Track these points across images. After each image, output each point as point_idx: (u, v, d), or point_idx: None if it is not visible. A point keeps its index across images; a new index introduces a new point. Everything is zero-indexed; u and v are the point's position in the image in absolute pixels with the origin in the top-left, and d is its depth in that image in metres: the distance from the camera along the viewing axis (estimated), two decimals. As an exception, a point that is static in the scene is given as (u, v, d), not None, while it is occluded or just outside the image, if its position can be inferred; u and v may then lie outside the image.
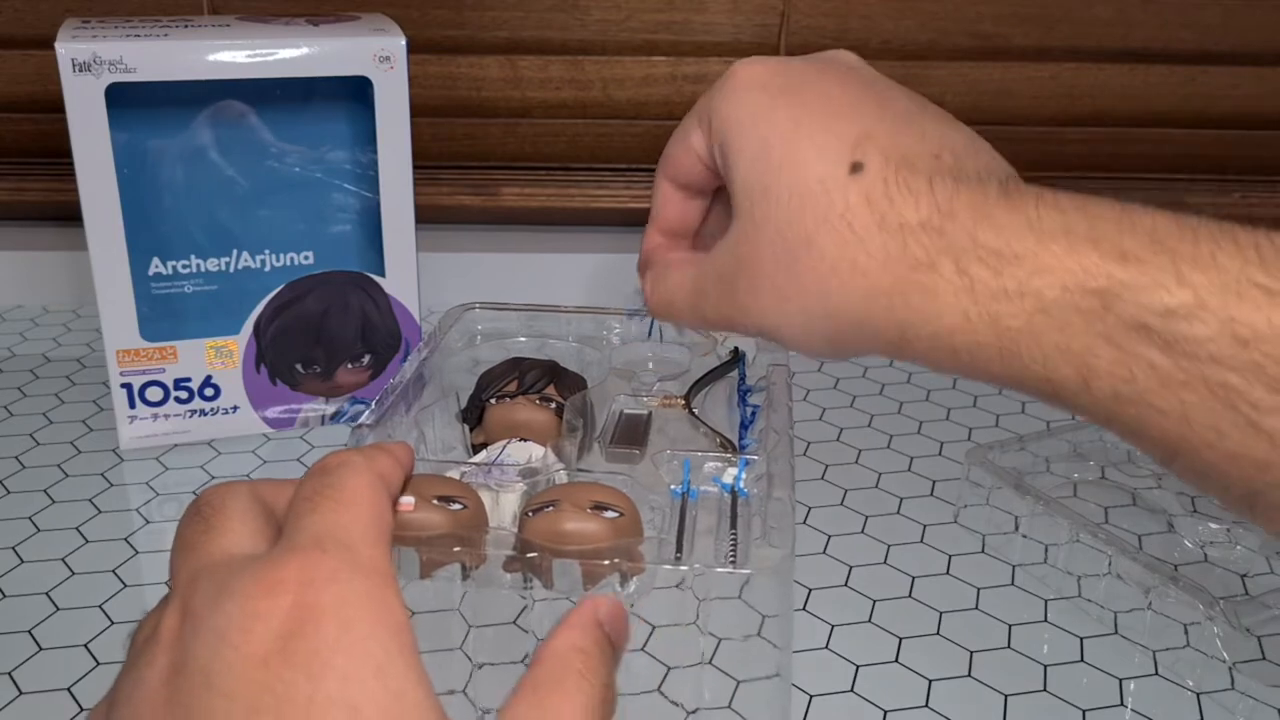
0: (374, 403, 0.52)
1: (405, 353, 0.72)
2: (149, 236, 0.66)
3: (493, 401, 0.58)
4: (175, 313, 0.68)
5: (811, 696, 0.50)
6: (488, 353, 0.64)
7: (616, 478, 0.47)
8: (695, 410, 0.60)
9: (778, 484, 0.45)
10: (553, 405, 0.58)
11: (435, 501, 0.42)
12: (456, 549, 0.41)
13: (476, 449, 0.57)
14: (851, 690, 0.50)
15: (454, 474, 0.47)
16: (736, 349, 0.65)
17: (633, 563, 0.41)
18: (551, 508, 0.42)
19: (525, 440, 0.55)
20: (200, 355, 0.68)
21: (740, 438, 0.57)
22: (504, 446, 0.54)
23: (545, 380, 0.59)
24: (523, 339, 0.65)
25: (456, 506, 0.42)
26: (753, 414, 0.58)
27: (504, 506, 0.47)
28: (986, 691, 0.50)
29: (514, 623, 0.53)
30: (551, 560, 0.42)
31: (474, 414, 0.59)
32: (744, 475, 0.48)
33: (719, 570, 0.41)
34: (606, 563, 0.41)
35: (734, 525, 0.45)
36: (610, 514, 0.42)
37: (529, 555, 0.42)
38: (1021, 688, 0.51)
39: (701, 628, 0.55)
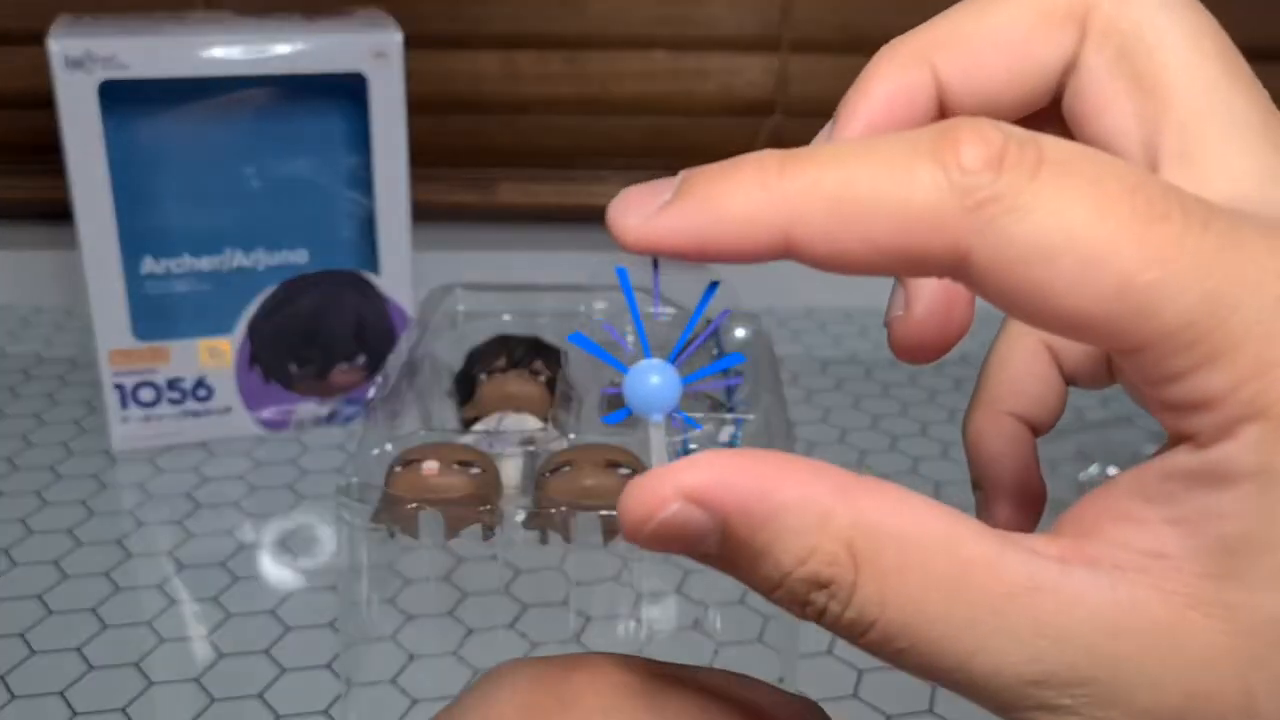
0: (379, 379, 0.54)
1: (402, 352, 0.72)
2: (141, 235, 0.65)
3: (484, 377, 0.60)
4: (168, 312, 0.67)
5: (815, 702, 0.49)
6: (470, 332, 0.65)
7: (620, 439, 0.49)
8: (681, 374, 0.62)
9: (776, 439, 0.45)
10: (542, 378, 0.60)
11: (456, 466, 0.46)
12: (482, 508, 0.45)
13: (468, 423, 0.59)
14: (855, 695, 0.50)
15: (467, 440, 0.51)
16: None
17: None
18: (569, 468, 0.46)
19: (520, 411, 0.57)
20: (193, 355, 0.68)
21: (729, 398, 0.58)
22: (499, 419, 0.57)
23: (532, 355, 0.61)
24: (506, 317, 0.65)
25: (475, 470, 0.46)
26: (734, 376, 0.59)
27: (507, 473, 0.50)
28: (992, 697, 0.50)
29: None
30: (573, 516, 0.45)
31: (465, 389, 0.61)
32: (740, 435, 0.50)
33: None
34: None
35: None
36: (624, 470, 0.46)
37: (552, 511, 0.45)
38: (1028, 693, 0.50)
39: (708, 633, 0.54)
